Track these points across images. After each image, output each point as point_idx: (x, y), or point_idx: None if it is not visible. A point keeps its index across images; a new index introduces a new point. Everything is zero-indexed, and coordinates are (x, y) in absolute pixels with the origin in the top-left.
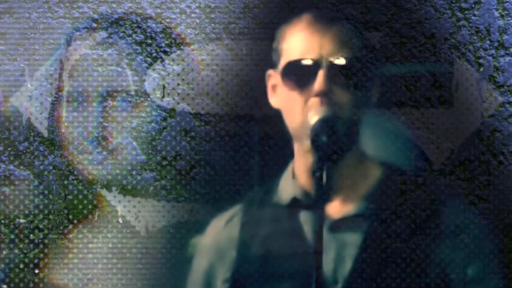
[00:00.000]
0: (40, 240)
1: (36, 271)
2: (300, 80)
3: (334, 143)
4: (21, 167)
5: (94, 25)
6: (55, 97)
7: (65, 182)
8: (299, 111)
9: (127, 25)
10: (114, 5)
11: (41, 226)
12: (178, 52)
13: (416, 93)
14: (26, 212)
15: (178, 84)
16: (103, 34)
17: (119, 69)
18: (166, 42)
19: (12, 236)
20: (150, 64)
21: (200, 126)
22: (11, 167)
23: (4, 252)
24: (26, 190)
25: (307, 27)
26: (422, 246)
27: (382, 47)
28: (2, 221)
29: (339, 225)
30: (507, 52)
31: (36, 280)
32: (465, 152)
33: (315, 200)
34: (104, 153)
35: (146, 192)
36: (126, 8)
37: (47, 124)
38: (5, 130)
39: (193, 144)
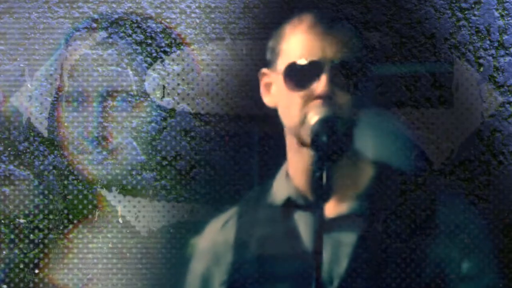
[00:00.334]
0: (40, 240)
1: (36, 271)
2: (302, 81)
3: (334, 143)
4: (21, 167)
5: (94, 25)
6: (55, 97)
7: (65, 182)
8: (297, 111)
9: (127, 25)
10: (114, 5)
11: (41, 226)
12: (178, 52)
13: (416, 93)
14: (26, 212)
15: (178, 84)
16: (103, 34)
17: (119, 69)
18: (166, 42)
19: (12, 236)
20: (150, 64)
21: (200, 126)
22: (11, 167)
23: (4, 252)
24: (26, 190)
25: (309, 29)
26: (422, 246)
27: (382, 47)
28: (2, 221)
29: (336, 225)
30: (507, 52)
31: (36, 280)
32: (465, 152)
33: (315, 200)
34: (104, 153)
35: (146, 192)
36: (126, 8)
37: (47, 124)
38: (5, 130)
39: (193, 144)
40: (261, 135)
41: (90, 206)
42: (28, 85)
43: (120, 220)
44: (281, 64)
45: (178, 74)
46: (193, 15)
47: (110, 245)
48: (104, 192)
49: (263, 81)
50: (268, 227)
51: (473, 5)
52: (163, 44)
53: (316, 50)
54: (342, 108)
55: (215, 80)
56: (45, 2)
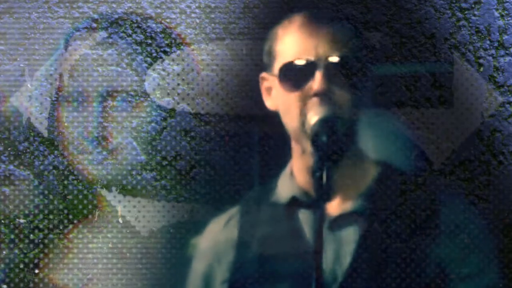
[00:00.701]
0: (40, 240)
1: (36, 271)
2: (297, 81)
3: (334, 143)
4: (21, 167)
5: (94, 25)
6: (55, 97)
7: (65, 182)
8: (297, 112)
9: (127, 25)
10: (114, 5)
11: (41, 226)
12: (178, 52)
13: (416, 93)
14: (26, 212)
15: (178, 84)
16: (103, 34)
17: (119, 69)
18: (166, 42)
19: (12, 236)
20: (150, 64)
21: (200, 126)
22: (11, 167)
23: (4, 252)
24: (26, 190)
25: (300, 28)
26: (422, 246)
27: (382, 47)
28: (2, 221)
29: (338, 223)
30: (507, 52)
31: (36, 280)
32: (465, 152)
33: (315, 199)
34: (104, 153)
35: (146, 192)
36: (126, 8)
37: (47, 124)
38: (5, 130)
39: (193, 144)
40: (261, 135)
41: (90, 206)
42: (28, 85)
43: (120, 220)
44: (277, 66)
45: (178, 74)
46: (193, 15)
47: (110, 245)
48: (104, 192)
49: (264, 86)
50: (273, 226)
51: (473, 5)
52: (163, 44)
53: (308, 48)
54: (342, 108)
55: (215, 80)
56: (45, 2)
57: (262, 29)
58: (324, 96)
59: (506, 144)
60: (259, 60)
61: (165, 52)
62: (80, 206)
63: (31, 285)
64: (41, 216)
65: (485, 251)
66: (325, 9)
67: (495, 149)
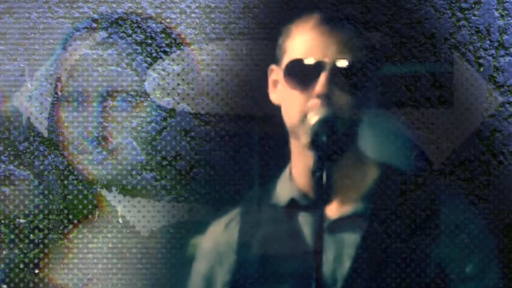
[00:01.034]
0: (40, 240)
1: (36, 271)
2: (301, 79)
3: (334, 143)
4: (21, 167)
5: (94, 25)
6: (55, 97)
7: (65, 182)
8: (298, 109)
9: (127, 25)
10: (114, 5)
11: (41, 226)
12: (178, 52)
13: (416, 93)
14: (26, 212)
15: (178, 84)
16: (103, 34)
17: (119, 69)
18: (166, 42)
19: (12, 236)
20: (150, 64)
21: (200, 126)
22: (11, 167)
23: (4, 252)
24: (26, 190)
25: (314, 28)
26: (422, 246)
27: (382, 47)
28: (2, 221)
29: (338, 225)
30: (507, 52)
31: (36, 280)
32: (465, 152)
33: (314, 200)
34: (104, 153)
35: (146, 192)
36: (126, 8)
37: (47, 124)
38: (5, 130)
39: (193, 144)
40: (261, 135)
41: (90, 206)
42: (28, 85)
43: (120, 220)
44: (285, 61)
45: (178, 74)
46: (193, 15)
47: (110, 245)
48: (104, 192)
49: (271, 78)
50: (272, 227)
51: (473, 5)
52: (163, 44)
53: (317, 49)
54: (342, 108)
55: (215, 80)
56: (45, 2)
57: (262, 29)
58: (326, 98)
59: (506, 144)
60: (259, 60)
61: (165, 52)
62: (80, 206)
63: (31, 285)
64: (41, 216)
65: (485, 251)
66: (333, 11)
67: (495, 149)
